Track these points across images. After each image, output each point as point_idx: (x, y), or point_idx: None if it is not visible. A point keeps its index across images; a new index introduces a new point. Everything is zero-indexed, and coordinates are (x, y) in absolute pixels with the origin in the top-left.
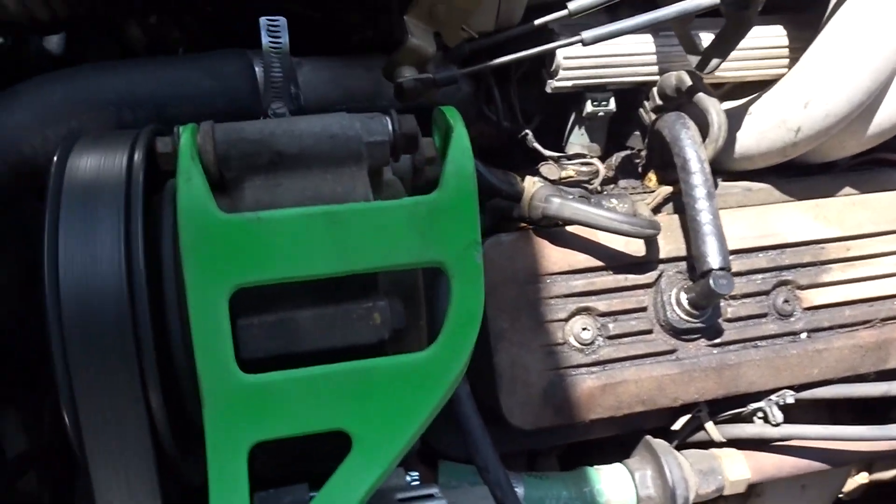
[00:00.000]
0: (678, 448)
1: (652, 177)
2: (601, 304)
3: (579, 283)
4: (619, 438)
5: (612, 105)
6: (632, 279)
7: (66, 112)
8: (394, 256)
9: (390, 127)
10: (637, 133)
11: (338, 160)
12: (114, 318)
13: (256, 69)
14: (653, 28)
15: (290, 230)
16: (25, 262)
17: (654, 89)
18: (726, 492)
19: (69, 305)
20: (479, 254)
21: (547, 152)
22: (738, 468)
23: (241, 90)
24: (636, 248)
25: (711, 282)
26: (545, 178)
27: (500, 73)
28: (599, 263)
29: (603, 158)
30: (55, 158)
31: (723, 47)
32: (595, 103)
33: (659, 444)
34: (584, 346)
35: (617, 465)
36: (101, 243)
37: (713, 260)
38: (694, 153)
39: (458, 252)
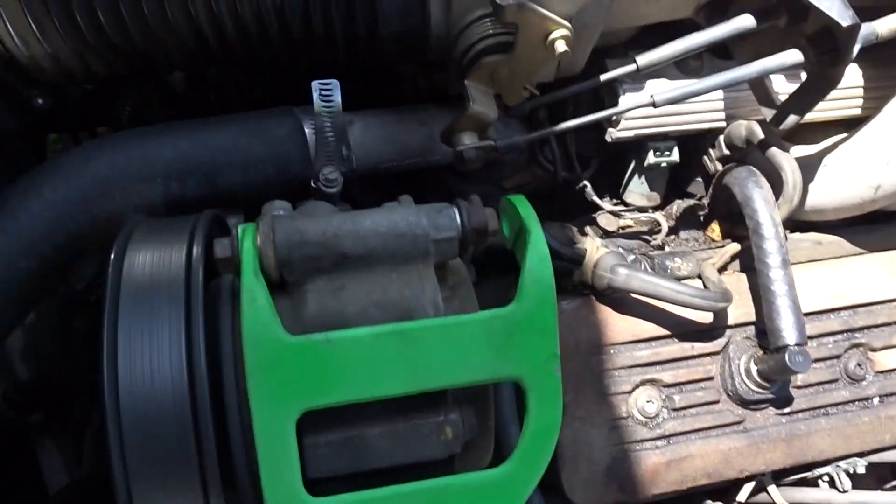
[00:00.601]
0: None
1: (715, 227)
2: (666, 374)
3: (644, 354)
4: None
5: (676, 155)
6: (698, 347)
7: (113, 187)
8: (468, 374)
9: (459, 220)
10: (699, 179)
11: (404, 258)
12: (175, 432)
13: (306, 130)
14: None
15: (361, 351)
16: (65, 298)
17: (721, 138)
18: None
19: (129, 417)
20: (557, 367)
21: (606, 205)
22: None
23: (291, 155)
24: (703, 314)
25: (787, 358)
26: (602, 230)
27: (557, 119)
28: (664, 332)
29: (662, 205)
30: (112, 258)
31: (802, 104)
32: (658, 153)
33: None
34: (648, 420)
35: None
36: (161, 352)
37: (789, 336)
38: (768, 216)
39: (537, 367)
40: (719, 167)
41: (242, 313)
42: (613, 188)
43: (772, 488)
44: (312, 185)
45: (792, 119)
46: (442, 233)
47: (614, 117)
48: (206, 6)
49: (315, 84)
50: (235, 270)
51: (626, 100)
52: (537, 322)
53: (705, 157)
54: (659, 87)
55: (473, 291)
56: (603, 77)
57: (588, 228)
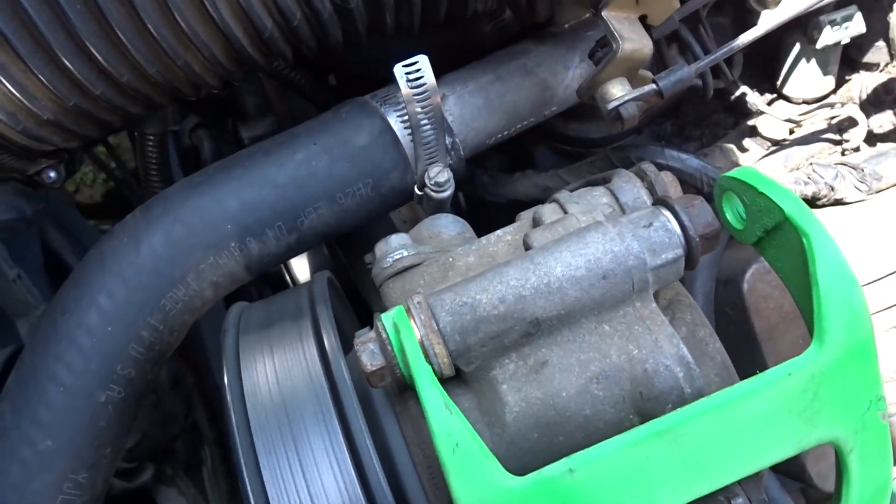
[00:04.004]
0: None
1: None
2: None
3: (879, 297)
4: None
5: (861, 23)
6: None
7: (179, 270)
8: (761, 459)
9: (679, 230)
10: (880, 44)
11: (615, 301)
12: None
13: (393, 125)
14: None
15: (616, 470)
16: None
17: None
18: None
19: None
20: (883, 411)
21: (776, 113)
22: None
23: (385, 164)
24: None
25: None
26: (768, 139)
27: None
28: None
29: (835, 88)
30: (225, 380)
31: None
32: (835, 26)
33: None
34: None
35: None
36: (322, 482)
37: None
38: None
39: (856, 420)
40: None
41: (440, 455)
42: (765, 78)
43: None
44: (417, 191)
45: None
46: (662, 255)
47: None
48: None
49: (399, 69)
50: (396, 382)
51: None
52: (852, 363)
53: (892, 16)
54: None
55: (694, 302)
56: None
57: (749, 141)
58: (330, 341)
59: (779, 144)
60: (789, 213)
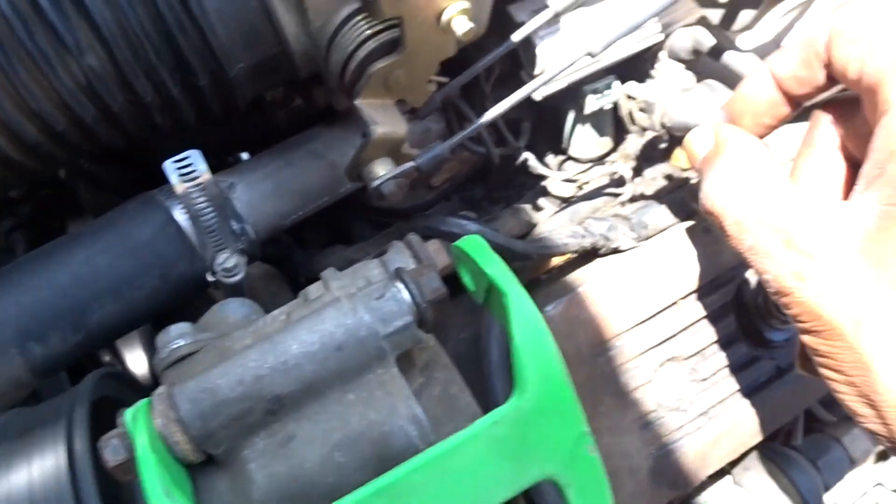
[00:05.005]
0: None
1: (679, 154)
2: (684, 345)
3: (653, 333)
4: None
5: (618, 90)
6: (709, 302)
7: None
8: (483, 501)
9: (409, 298)
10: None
11: (356, 371)
12: None
13: (177, 217)
14: None
15: None
16: None
17: (663, 54)
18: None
19: None
20: (591, 445)
21: (554, 174)
22: None
23: (170, 255)
24: (706, 262)
25: None
26: (559, 198)
27: (474, 97)
28: (668, 300)
29: (615, 146)
30: None
31: None
32: (597, 95)
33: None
34: (679, 402)
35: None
36: None
37: None
38: None
39: (566, 456)
40: None
41: None
42: (556, 142)
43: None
44: (210, 279)
45: (747, 15)
46: (393, 323)
47: (537, 70)
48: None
49: (168, 165)
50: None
51: (547, 49)
52: (551, 406)
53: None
54: (578, 23)
55: (450, 361)
56: (516, 36)
57: (543, 201)
58: (83, 459)
59: (567, 201)
60: (491, 275)
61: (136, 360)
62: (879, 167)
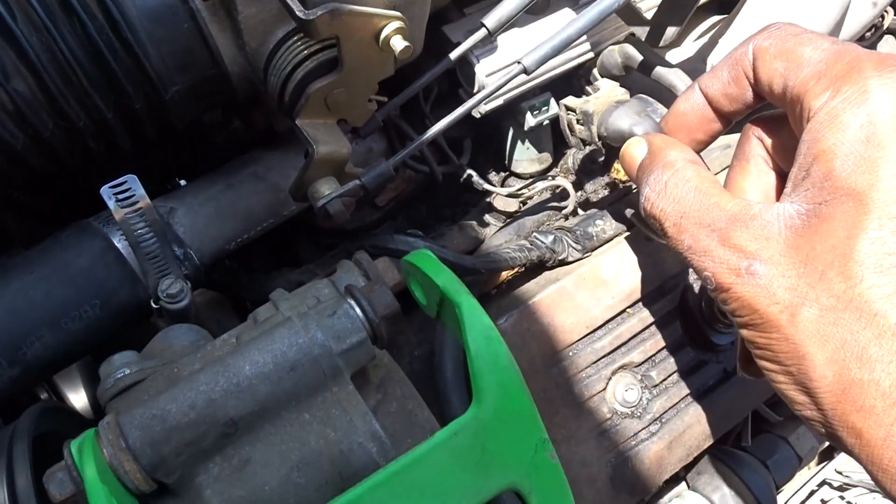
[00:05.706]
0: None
1: (618, 167)
2: (635, 353)
3: (605, 342)
4: None
5: (555, 107)
6: (656, 309)
7: None
8: None
9: (361, 314)
10: None
11: (311, 390)
12: None
13: (116, 243)
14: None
15: None
16: None
17: (595, 71)
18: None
19: None
20: (551, 451)
21: (499, 189)
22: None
23: (109, 283)
24: (650, 270)
25: None
26: (504, 213)
27: (414, 117)
28: (617, 309)
29: (555, 161)
30: None
31: (678, 11)
32: (535, 112)
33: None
34: (633, 409)
35: (689, 493)
36: None
37: None
38: None
39: (527, 464)
40: None
41: None
42: (498, 159)
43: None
44: (154, 304)
45: (671, 32)
46: (346, 340)
47: (476, 88)
48: None
49: (105, 190)
50: None
51: (484, 67)
52: (508, 415)
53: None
54: (513, 42)
55: (405, 376)
56: (454, 55)
57: (488, 217)
58: (23, 482)
59: (512, 216)
60: (443, 286)
61: (76, 395)
62: (804, 170)
